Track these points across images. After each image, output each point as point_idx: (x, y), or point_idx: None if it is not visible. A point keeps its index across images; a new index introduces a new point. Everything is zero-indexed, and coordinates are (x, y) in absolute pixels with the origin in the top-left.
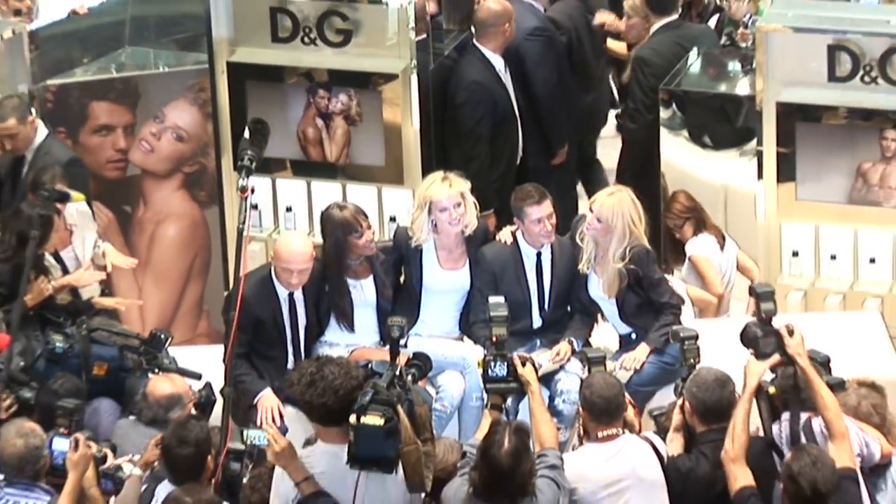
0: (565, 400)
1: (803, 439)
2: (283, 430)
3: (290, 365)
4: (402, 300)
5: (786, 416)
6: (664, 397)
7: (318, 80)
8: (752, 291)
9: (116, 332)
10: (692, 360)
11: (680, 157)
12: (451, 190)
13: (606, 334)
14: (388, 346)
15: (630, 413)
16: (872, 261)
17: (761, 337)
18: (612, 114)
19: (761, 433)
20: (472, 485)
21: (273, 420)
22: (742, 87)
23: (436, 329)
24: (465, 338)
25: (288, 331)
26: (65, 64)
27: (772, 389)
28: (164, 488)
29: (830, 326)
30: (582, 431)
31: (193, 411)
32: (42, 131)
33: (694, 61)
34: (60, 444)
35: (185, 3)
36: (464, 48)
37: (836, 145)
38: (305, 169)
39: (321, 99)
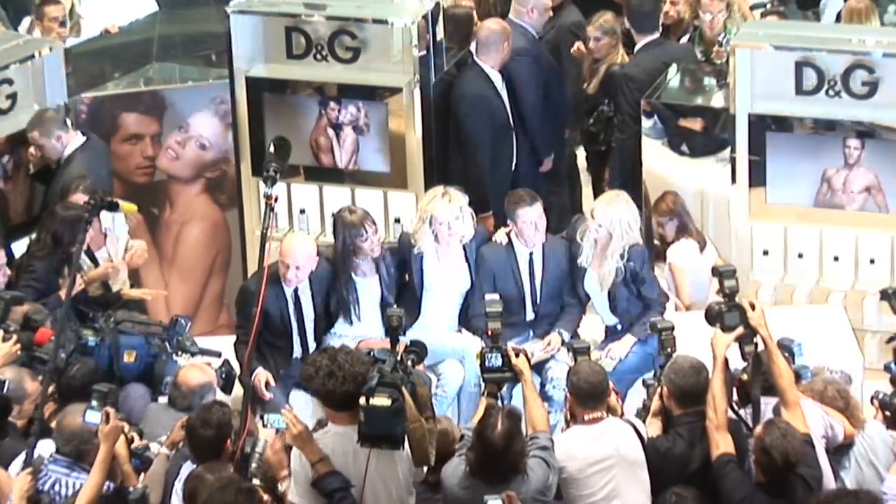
0: (555, 386)
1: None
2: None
3: (295, 354)
4: (405, 297)
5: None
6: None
7: (329, 93)
8: (715, 271)
9: (140, 322)
10: (669, 349)
11: (660, 163)
12: (451, 205)
13: (592, 326)
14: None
15: (613, 398)
16: (836, 259)
17: (725, 311)
18: None
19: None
20: (469, 464)
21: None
22: (717, 100)
23: (437, 325)
24: (465, 330)
25: (294, 323)
26: (97, 78)
27: (744, 376)
28: (189, 467)
29: (798, 319)
30: (569, 415)
31: (219, 392)
32: (73, 144)
33: (673, 76)
34: (93, 417)
35: (207, 23)
36: (463, 64)
37: (803, 153)
38: (317, 174)
39: (332, 110)
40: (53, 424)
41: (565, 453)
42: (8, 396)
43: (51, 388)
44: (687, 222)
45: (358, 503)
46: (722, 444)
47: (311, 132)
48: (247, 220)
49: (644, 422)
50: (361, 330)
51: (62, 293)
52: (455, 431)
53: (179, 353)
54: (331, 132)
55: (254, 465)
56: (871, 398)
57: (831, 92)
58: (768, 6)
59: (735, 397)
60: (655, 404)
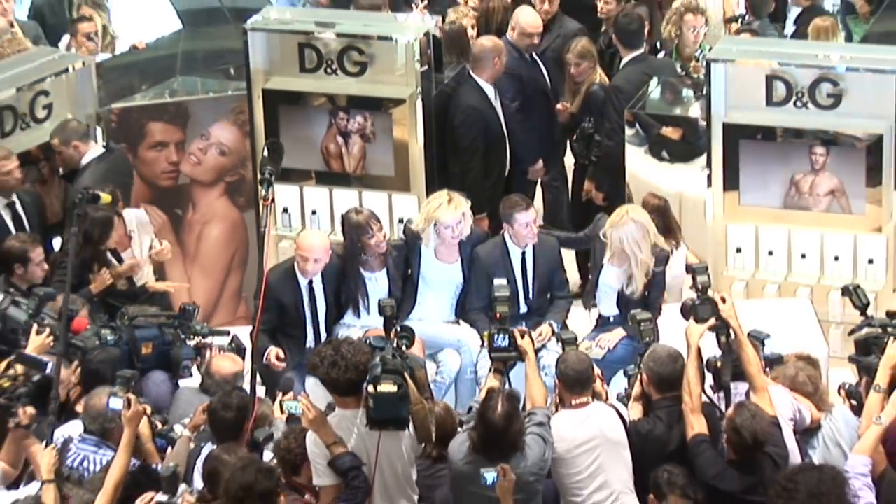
0: (546, 373)
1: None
2: (289, 381)
3: (309, 342)
4: (408, 289)
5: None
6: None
7: (339, 104)
8: (688, 269)
9: (152, 315)
10: (648, 339)
11: (642, 168)
12: (455, 211)
13: (580, 319)
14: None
15: (598, 384)
16: (804, 256)
17: (698, 305)
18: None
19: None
20: (472, 442)
21: (277, 359)
22: (694, 111)
23: (434, 315)
24: (462, 322)
25: (308, 314)
26: (126, 90)
27: (719, 364)
28: (209, 448)
29: (768, 311)
30: (558, 400)
31: None
32: (90, 154)
33: (654, 88)
34: (116, 403)
35: (227, 40)
36: (460, 78)
37: (773, 159)
38: (327, 178)
39: (341, 120)
40: (79, 407)
41: (554, 435)
42: (51, 376)
43: (77, 373)
44: (668, 222)
45: (369, 480)
46: (697, 425)
47: (322, 140)
48: (263, 221)
49: (626, 406)
50: (369, 320)
51: (92, 287)
52: (454, 413)
53: (192, 336)
54: (340, 140)
55: (270, 447)
56: (839, 388)
57: (799, 103)
58: (741, 21)
59: (711, 382)
60: (636, 390)
